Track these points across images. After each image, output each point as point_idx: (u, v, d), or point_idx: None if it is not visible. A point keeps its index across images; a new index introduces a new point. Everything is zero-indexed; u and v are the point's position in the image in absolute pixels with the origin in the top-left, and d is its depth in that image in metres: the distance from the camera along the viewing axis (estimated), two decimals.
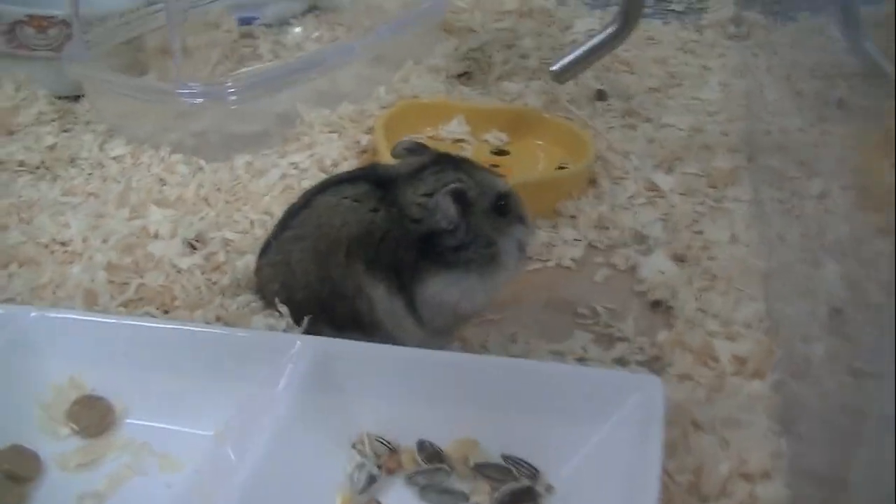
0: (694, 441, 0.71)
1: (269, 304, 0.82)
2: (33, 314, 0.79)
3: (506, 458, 0.71)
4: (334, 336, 0.76)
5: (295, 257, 0.80)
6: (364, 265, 0.78)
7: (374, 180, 0.81)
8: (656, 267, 0.96)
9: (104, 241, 0.95)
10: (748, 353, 0.81)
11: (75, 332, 0.78)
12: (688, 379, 0.80)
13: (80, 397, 0.76)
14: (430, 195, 0.78)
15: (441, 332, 0.82)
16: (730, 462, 0.69)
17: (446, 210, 0.77)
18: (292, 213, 0.83)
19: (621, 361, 0.84)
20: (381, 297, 0.78)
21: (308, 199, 0.83)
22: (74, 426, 0.74)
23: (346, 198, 0.80)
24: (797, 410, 0.72)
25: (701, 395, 0.77)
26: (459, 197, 0.77)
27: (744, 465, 0.69)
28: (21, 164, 1.14)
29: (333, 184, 0.83)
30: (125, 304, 0.87)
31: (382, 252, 0.78)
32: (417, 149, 0.85)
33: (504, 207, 0.80)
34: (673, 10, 1.57)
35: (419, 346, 0.77)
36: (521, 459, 0.71)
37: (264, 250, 0.85)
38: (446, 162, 0.81)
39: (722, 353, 0.81)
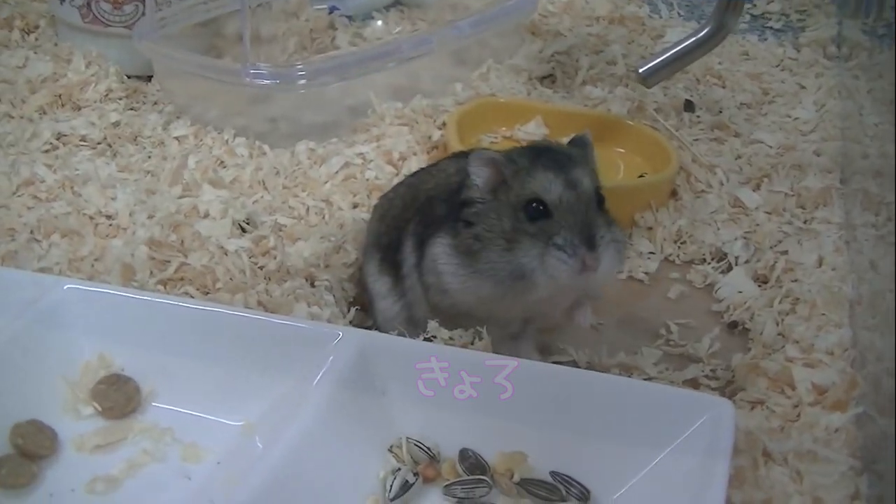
0: (764, 473, 0.65)
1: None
2: (67, 286, 0.75)
3: (555, 475, 0.66)
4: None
5: (395, 202, 0.84)
6: (412, 222, 0.80)
7: None
8: (735, 286, 0.91)
9: (150, 216, 0.91)
10: (829, 383, 0.74)
11: (108, 307, 0.74)
12: (761, 406, 0.74)
13: (107, 376, 0.72)
14: None
15: (441, 311, 0.77)
16: (802, 498, 0.63)
17: (474, 175, 0.74)
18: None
19: (692, 383, 0.79)
20: (407, 252, 0.79)
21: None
22: (98, 406, 0.70)
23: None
24: (880, 449, 0.65)
25: (775, 424, 0.71)
26: (495, 168, 0.74)
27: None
28: (83, 139, 1.11)
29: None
30: (164, 283, 0.83)
31: (423, 208, 0.79)
32: None
33: (538, 212, 0.72)
34: (770, 28, 1.51)
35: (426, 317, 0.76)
36: (571, 478, 0.65)
37: None
38: (545, 147, 0.79)
39: (800, 381, 0.75)
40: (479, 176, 0.74)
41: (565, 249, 0.70)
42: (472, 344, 0.73)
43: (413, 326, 0.78)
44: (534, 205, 0.72)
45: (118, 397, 0.71)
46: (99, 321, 0.74)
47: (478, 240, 0.73)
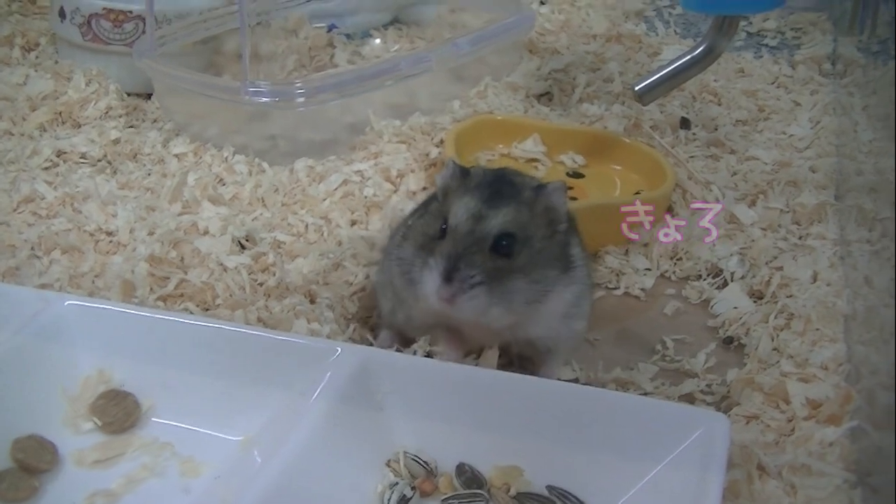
0: (758, 487, 0.66)
1: None
2: (67, 302, 0.76)
3: (551, 489, 0.66)
4: None
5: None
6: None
7: None
8: (731, 302, 0.91)
9: (150, 233, 0.92)
10: (823, 398, 0.75)
11: (108, 323, 0.75)
12: (756, 420, 0.74)
13: (107, 391, 0.73)
14: None
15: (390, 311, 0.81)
16: None
17: (438, 177, 0.78)
18: None
19: (688, 398, 0.80)
20: None
21: None
22: (97, 421, 0.71)
23: None
24: (875, 462, 0.66)
25: (769, 438, 0.71)
26: (450, 176, 0.76)
27: None
28: (83, 156, 1.12)
29: None
30: (164, 299, 0.83)
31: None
32: None
33: (442, 231, 0.73)
34: (766, 45, 1.52)
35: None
36: (567, 492, 0.66)
37: None
38: (499, 176, 0.78)
39: (795, 395, 0.75)
40: (441, 178, 0.76)
41: (430, 272, 0.70)
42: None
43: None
44: (444, 222, 0.73)
45: (117, 412, 0.71)
46: (99, 337, 0.74)
47: (410, 230, 0.76)
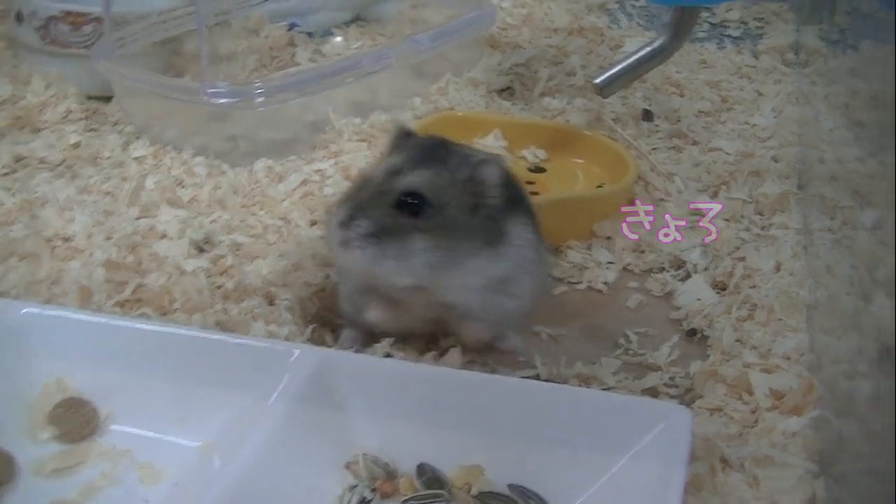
0: (721, 480, 0.65)
1: None
2: (24, 310, 0.75)
3: (512, 487, 0.66)
4: None
5: None
6: None
7: None
8: (694, 294, 0.90)
9: (108, 237, 0.91)
10: (786, 388, 0.75)
11: (65, 330, 0.74)
12: (719, 413, 0.73)
13: (65, 399, 0.72)
14: None
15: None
16: (758, 503, 0.63)
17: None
18: None
19: (651, 392, 0.79)
20: None
21: None
22: (55, 430, 0.70)
23: None
24: (838, 451, 0.65)
25: (733, 430, 0.71)
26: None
27: None
28: (42, 161, 1.10)
29: None
30: (121, 304, 0.82)
31: None
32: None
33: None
34: (729, 35, 1.52)
35: None
36: (528, 490, 0.65)
37: None
38: (433, 140, 0.80)
39: (758, 386, 0.75)
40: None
41: (332, 220, 0.73)
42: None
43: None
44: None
45: (76, 420, 0.70)
46: (56, 345, 0.73)
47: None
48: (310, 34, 1.41)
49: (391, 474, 0.67)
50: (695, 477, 0.64)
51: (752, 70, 1.38)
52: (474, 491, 0.65)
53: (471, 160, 0.76)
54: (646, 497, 0.61)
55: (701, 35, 1.49)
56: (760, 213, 1.02)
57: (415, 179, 0.73)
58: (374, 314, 0.77)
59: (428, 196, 0.72)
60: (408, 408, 0.68)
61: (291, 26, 1.40)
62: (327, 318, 0.85)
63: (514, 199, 0.79)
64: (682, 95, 1.28)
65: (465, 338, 0.80)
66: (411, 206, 0.72)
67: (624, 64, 1.07)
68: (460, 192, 0.74)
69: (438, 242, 0.72)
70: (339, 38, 1.43)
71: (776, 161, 1.11)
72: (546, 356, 0.83)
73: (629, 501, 0.62)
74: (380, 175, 0.74)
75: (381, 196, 0.72)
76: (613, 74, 1.07)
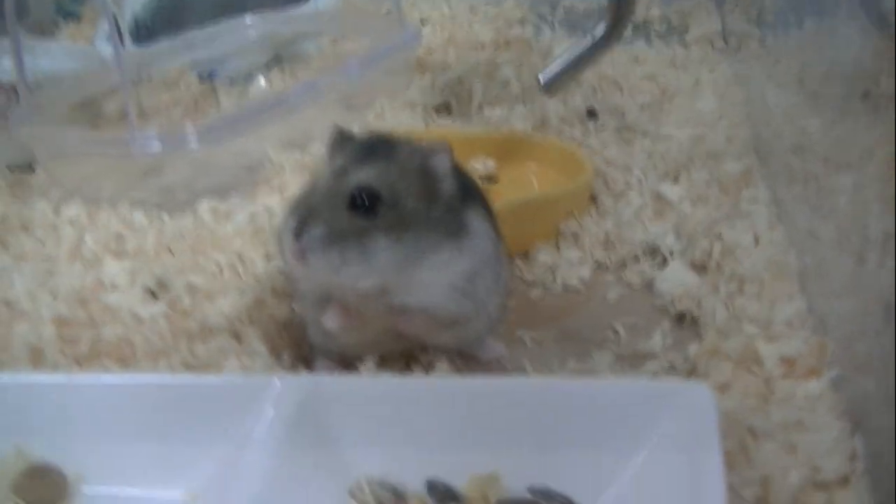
0: (755, 450, 0.61)
1: None
2: None
3: (534, 491, 0.61)
4: None
5: None
6: None
7: None
8: (675, 279, 0.87)
9: (53, 296, 0.85)
10: (796, 353, 0.71)
11: (19, 396, 0.67)
12: (730, 389, 0.70)
13: (28, 468, 0.65)
14: None
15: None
16: (800, 470, 0.59)
17: None
18: None
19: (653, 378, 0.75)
20: None
21: None
22: (21, 502, 0.63)
23: None
24: (868, 406, 0.62)
25: (752, 402, 0.67)
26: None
27: (817, 473, 0.59)
28: None
29: None
30: (78, 361, 0.76)
31: None
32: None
33: None
34: (655, 31, 1.51)
35: None
36: (552, 491, 0.60)
37: None
38: (378, 137, 0.75)
39: (768, 355, 0.71)
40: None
41: (285, 232, 0.68)
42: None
43: None
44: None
45: (43, 489, 0.64)
46: (12, 412, 0.67)
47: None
48: (231, 81, 1.37)
49: (400, 496, 0.61)
50: (726, 452, 0.60)
51: (685, 60, 1.38)
52: (492, 500, 0.60)
53: (418, 150, 0.71)
54: (681, 481, 0.56)
55: (627, 36, 1.47)
56: (726, 192, 0.99)
57: (364, 176, 0.67)
58: (331, 321, 0.71)
59: (380, 191, 0.67)
60: (406, 423, 0.63)
61: (210, 75, 1.36)
62: (298, 352, 0.80)
63: (468, 189, 0.75)
64: (621, 91, 1.26)
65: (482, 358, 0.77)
66: (364, 203, 0.67)
67: (567, 60, 1.05)
68: (413, 183, 0.69)
69: (399, 237, 0.67)
70: (262, 81, 1.39)
71: (730, 141, 1.10)
72: (534, 360, 0.79)
73: (664, 488, 0.58)
74: (326, 179, 0.69)
75: (332, 198, 0.67)
76: (557, 72, 1.05)
